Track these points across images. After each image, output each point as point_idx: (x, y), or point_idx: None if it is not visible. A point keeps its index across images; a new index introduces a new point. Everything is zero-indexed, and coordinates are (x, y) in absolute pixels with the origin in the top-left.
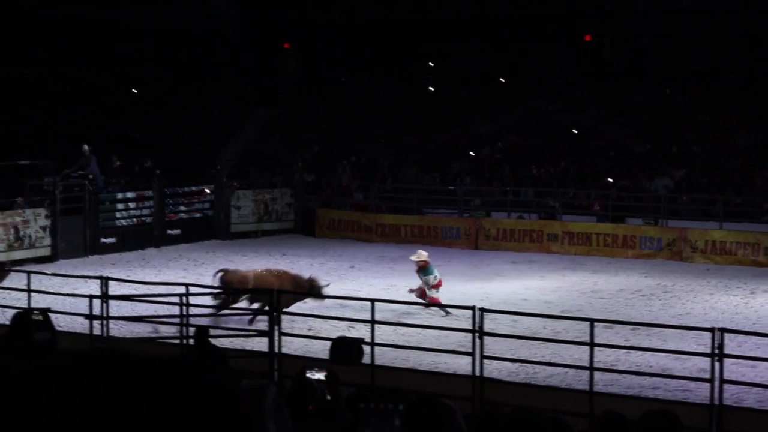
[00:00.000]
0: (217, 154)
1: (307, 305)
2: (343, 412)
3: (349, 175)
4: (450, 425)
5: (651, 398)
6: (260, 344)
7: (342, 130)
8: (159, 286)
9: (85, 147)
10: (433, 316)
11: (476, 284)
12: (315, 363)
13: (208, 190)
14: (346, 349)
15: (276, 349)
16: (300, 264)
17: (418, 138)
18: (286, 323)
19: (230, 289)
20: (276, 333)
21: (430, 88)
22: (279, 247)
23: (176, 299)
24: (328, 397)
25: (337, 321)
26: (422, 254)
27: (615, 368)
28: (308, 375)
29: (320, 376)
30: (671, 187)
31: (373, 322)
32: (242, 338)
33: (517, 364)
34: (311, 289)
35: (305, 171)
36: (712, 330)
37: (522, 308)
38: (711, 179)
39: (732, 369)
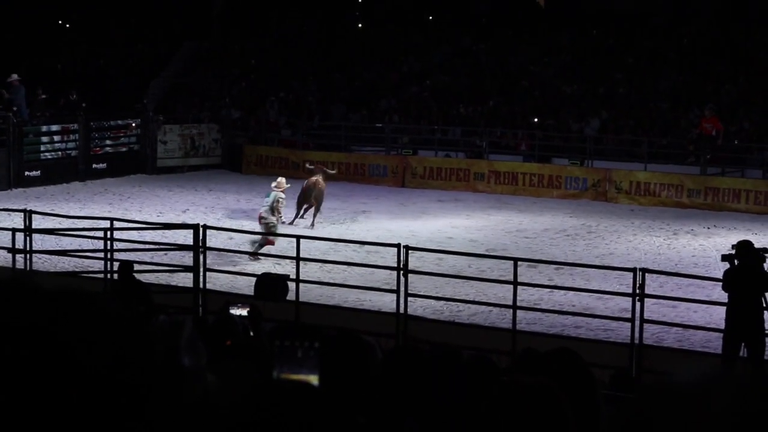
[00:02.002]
0: (144, 88)
1: (233, 241)
2: (264, 349)
3: (277, 111)
4: (368, 361)
5: (573, 337)
6: (185, 280)
7: (270, 66)
8: (84, 220)
9: (14, 77)
10: (358, 253)
11: (402, 222)
12: (240, 299)
13: (134, 124)
14: (270, 285)
15: (201, 285)
16: (227, 200)
17: (346, 75)
18: (212, 259)
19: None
20: (201, 269)
21: (359, 25)
22: (205, 182)
23: (101, 233)
24: (251, 333)
25: (263, 257)
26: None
27: (538, 307)
28: (231, 311)
29: (243, 312)
30: (596, 127)
31: (298, 258)
32: (167, 273)
33: (442, 302)
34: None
35: (233, 107)
36: (633, 270)
37: (447, 246)
38: (637, 121)
39: (653, 309)
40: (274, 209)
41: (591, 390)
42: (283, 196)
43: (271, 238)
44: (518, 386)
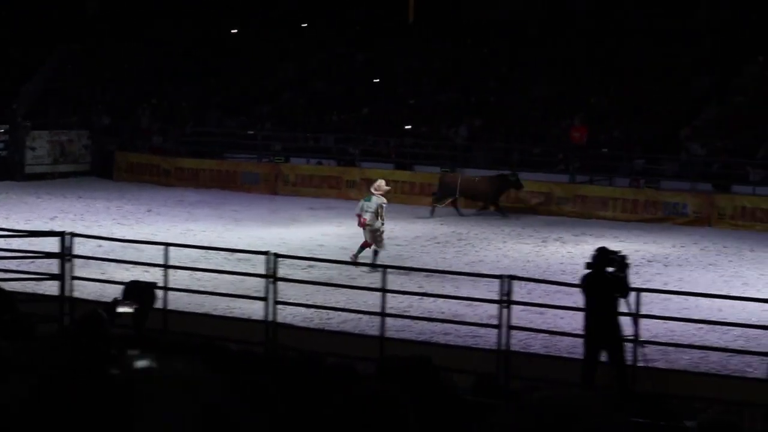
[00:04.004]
0: (14, 92)
1: (102, 249)
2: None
3: (149, 117)
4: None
5: (442, 344)
6: (52, 288)
7: (143, 71)
8: None
9: None
10: (229, 261)
11: (274, 230)
12: (104, 307)
13: (2, 130)
14: (138, 293)
15: (67, 293)
16: (96, 207)
17: (220, 81)
18: (79, 267)
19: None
20: (67, 277)
21: (233, 31)
22: (75, 189)
23: None
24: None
25: (131, 265)
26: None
27: (407, 314)
28: (118, 309)
29: (129, 309)
30: (465, 135)
31: (166, 266)
32: (33, 281)
33: (312, 309)
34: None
35: (104, 113)
36: (500, 277)
37: (318, 254)
38: (509, 129)
39: (521, 315)
40: (378, 215)
41: (443, 396)
42: (385, 201)
43: (368, 240)
44: (363, 393)
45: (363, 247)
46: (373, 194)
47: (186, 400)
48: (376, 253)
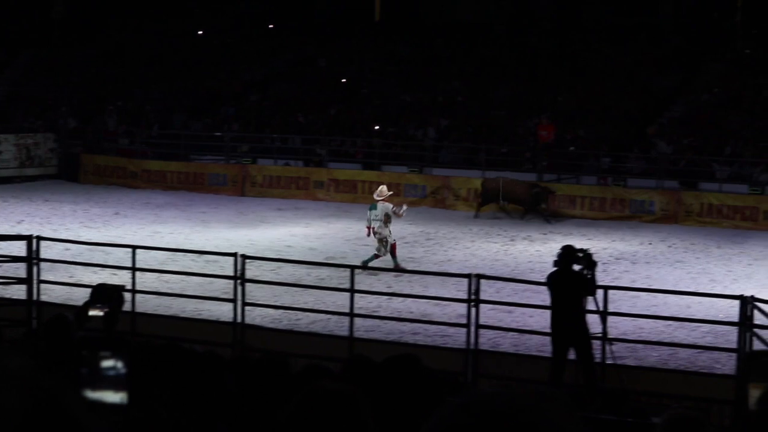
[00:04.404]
0: None
1: (69, 252)
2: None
3: (116, 120)
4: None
5: (411, 343)
6: (19, 292)
7: (108, 74)
8: None
9: None
10: (197, 263)
11: (241, 231)
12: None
13: None
14: (105, 296)
15: (34, 297)
16: (63, 210)
17: (186, 83)
18: (46, 270)
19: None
20: (34, 280)
21: (199, 33)
22: (41, 192)
23: None
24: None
25: (99, 268)
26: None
27: (376, 314)
28: (90, 312)
29: (100, 313)
30: (433, 135)
31: (134, 269)
32: (0, 286)
33: (280, 310)
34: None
35: (70, 116)
36: (468, 276)
37: (286, 255)
38: (476, 129)
39: (490, 314)
40: (386, 222)
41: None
42: (391, 205)
43: (382, 248)
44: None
45: (392, 254)
46: (377, 201)
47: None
48: (377, 256)
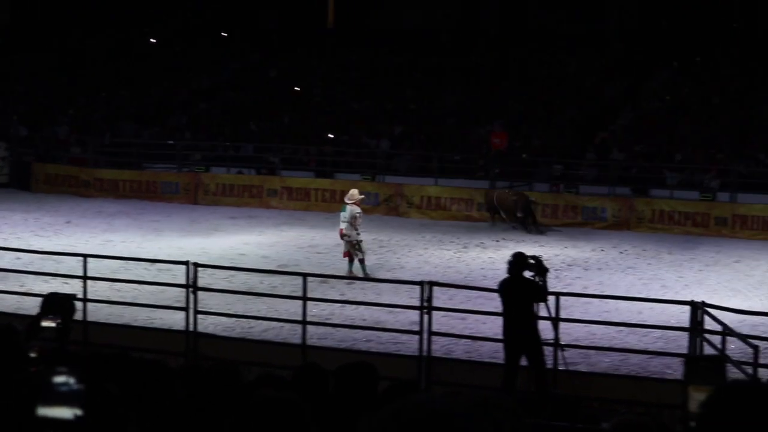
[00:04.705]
0: None
1: (21, 261)
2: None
3: (67, 128)
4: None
5: (363, 351)
6: None
7: (57, 82)
8: None
9: None
10: (149, 271)
11: (194, 239)
12: (23, 320)
13: None
14: (57, 305)
15: None
16: (14, 219)
17: (135, 91)
18: None
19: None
20: None
21: (151, 40)
22: None
23: None
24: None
25: (50, 277)
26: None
27: (329, 322)
28: (42, 323)
29: (52, 324)
30: (387, 147)
31: (85, 277)
32: None
33: (233, 319)
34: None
35: (20, 124)
36: (421, 284)
37: (240, 263)
38: (428, 136)
39: (443, 321)
40: (353, 224)
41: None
42: (359, 210)
43: (349, 251)
44: (262, 400)
45: (348, 257)
46: (347, 204)
47: None
48: (362, 261)
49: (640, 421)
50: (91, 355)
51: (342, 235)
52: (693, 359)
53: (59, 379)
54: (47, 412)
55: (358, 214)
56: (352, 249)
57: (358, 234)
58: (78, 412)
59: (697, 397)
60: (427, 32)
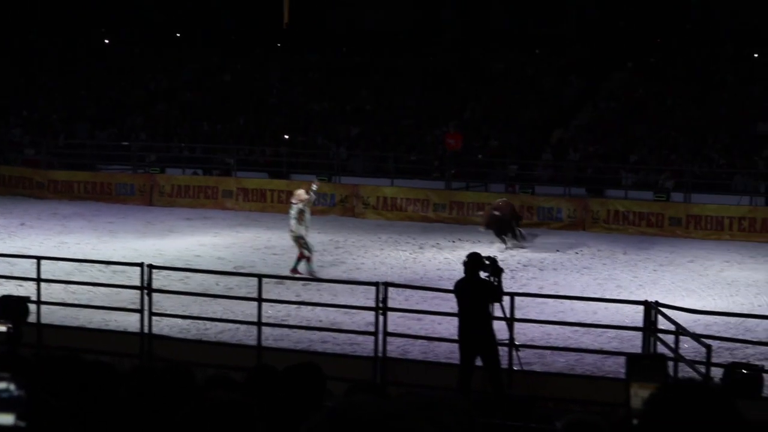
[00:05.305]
0: None
1: None
2: None
3: (21, 129)
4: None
5: (320, 352)
6: None
7: (11, 82)
8: None
9: None
10: (104, 273)
11: (150, 241)
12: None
13: None
14: (10, 307)
15: None
16: None
17: (91, 92)
18: None
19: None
20: None
21: (105, 41)
22: None
23: None
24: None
25: (4, 279)
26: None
27: (285, 323)
28: None
29: (2, 328)
30: (344, 155)
31: (39, 279)
32: None
33: (189, 320)
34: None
35: None
36: (376, 285)
37: (195, 265)
38: (385, 137)
39: (399, 322)
40: (299, 219)
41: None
42: (302, 207)
43: (302, 249)
44: (210, 402)
45: (299, 259)
46: (293, 203)
47: None
48: (308, 260)
49: (591, 420)
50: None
51: (290, 232)
52: (635, 357)
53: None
54: None
55: (304, 209)
56: (300, 246)
57: (306, 230)
58: (15, 419)
59: (639, 395)
60: (386, 33)
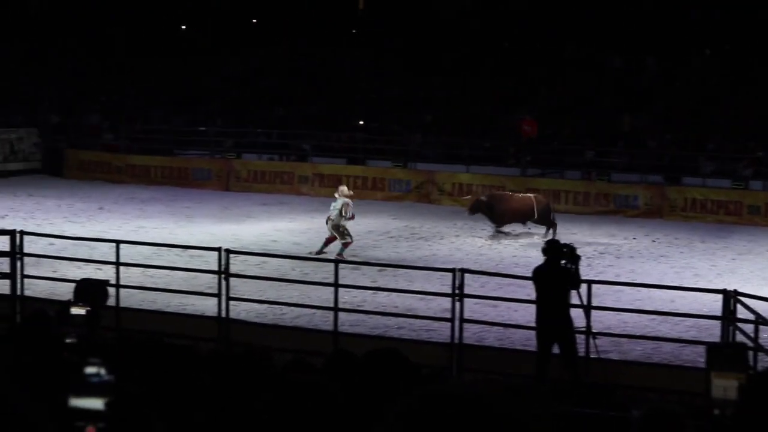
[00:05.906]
0: None
1: (54, 247)
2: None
3: (99, 115)
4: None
5: (396, 338)
6: (3, 287)
7: (88, 68)
8: None
9: None
10: (182, 257)
11: (226, 226)
12: (57, 306)
13: None
14: (89, 291)
15: (18, 292)
16: (47, 205)
17: (167, 78)
18: (30, 265)
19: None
20: (18, 275)
21: (182, 27)
22: (25, 187)
23: None
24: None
25: (83, 263)
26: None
27: (361, 309)
28: (72, 310)
29: (81, 311)
30: (419, 141)
31: (118, 263)
32: None
33: (265, 305)
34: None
35: (52, 111)
36: (453, 271)
37: (271, 250)
38: (459, 124)
39: (475, 309)
40: (342, 212)
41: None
42: (349, 201)
43: (333, 234)
44: (294, 384)
45: (327, 242)
46: (337, 198)
47: None
48: (346, 245)
49: (670, 409)
50: (121, 340)
51: (328, 220)
52: (716, 346)
53: (91, 369)
54: (79, 403)
55: (350, 203)
56: (338, 233)
57: (347, 220)
58: (108, 402)
59: (719, 385)
60: (458, 20)
